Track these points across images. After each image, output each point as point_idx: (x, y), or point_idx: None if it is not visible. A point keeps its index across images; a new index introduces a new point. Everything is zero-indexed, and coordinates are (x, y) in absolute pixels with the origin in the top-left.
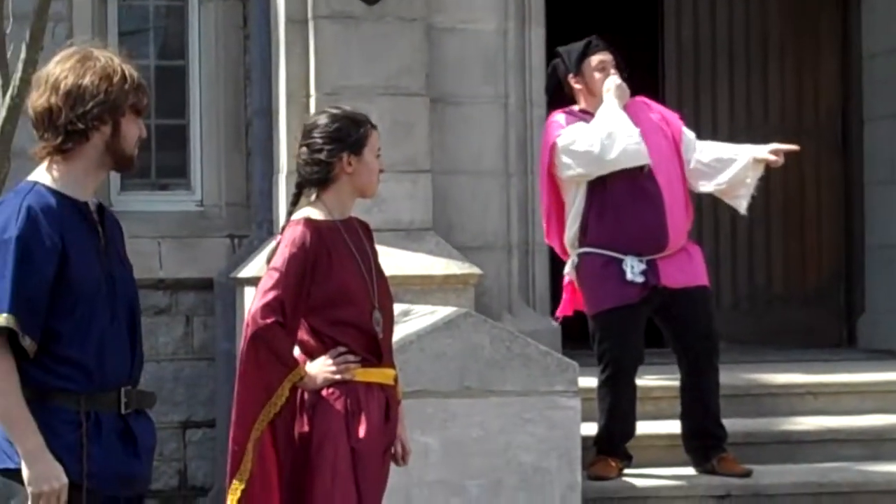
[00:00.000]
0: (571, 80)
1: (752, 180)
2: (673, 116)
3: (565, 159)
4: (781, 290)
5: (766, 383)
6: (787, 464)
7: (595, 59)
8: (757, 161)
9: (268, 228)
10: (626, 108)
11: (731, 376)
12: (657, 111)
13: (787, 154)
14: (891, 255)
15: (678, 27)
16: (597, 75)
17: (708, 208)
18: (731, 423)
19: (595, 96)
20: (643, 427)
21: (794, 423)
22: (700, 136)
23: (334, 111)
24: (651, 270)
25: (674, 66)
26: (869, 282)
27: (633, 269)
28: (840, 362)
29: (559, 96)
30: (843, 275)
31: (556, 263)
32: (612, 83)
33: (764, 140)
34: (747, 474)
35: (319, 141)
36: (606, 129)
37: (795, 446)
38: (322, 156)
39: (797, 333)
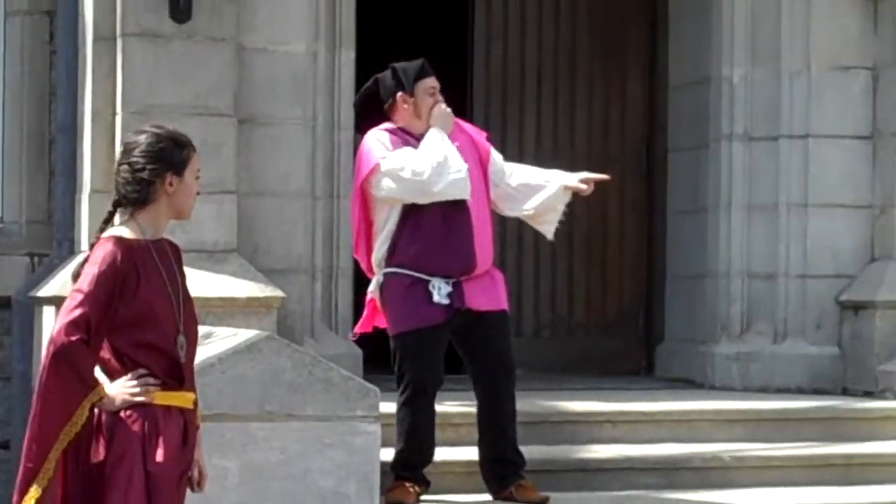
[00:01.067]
0: (400, 98)
1: (560, 207)
2: (481, 137)
3: (388, 183)
4: (583, 318)
5: (565, 411)
6: (584, 491)
7: (427, 83)
8: (566, 189)
9: (69, 247)
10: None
11: (530, 403)
12: (467, 132)
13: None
14: (691, 285)
15: (487, 50)
16: (427, 99)
17: (512, 234)
18: (529, 451)
19: (421, 119)
20: (442, 453)
21: (592, 451)
22: (506, 160)
23: (157, 130)
24: (457, 292)
25: (482, 90)
26: (668, 310)
27: (440, 290)
28: (638, 391)
29: (366, 111)
30: (644, 303)
31: (360, 287)
32: (441, 112)
33: (570, 166)
34: (544, 501)
35: (142, 160)
36: (436, 160)
37: (593, 474)
38: (144, 175)
39: (598, 361)
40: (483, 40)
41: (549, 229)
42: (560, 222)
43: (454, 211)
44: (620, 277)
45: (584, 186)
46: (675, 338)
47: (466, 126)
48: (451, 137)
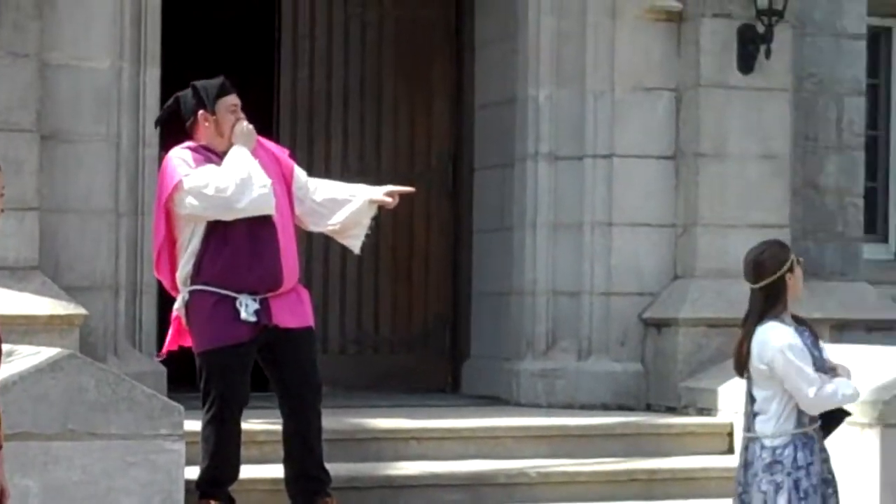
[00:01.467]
0: (202, 116)
1: (366, 221)
2: (283, 154)
3: (191, 200)
4: (389, 335)
5: (370, 428)
6: None
7: (228, 101)
8: (372, 203)
9: None
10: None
11: (336, 420)
12: (269, 149)
13: (400, 199)
14: (496, 302)
15: (294, 71)
16: (229, 116)
17: (318, 250)
18: (335, 468)
19: (223, 137)
20: (247, 471)
21: (398, 468)
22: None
23: None
24: (263, 310)
25: (288, 109)
26: (474, 328)
27: (247, 307)
28: (444, 407)
29: (167, 129)
30: (450, 320)
31: (164, 304)
32: (244, 129)
33: (376, 184)
34: None
35: None
36: (240, 176)
37: (398, 490)
38: None
39: (404, 378)
40: (290, 61)
41: (355, 244)
42: (367, 237)
43: (259, 227)
44: (426, 294)
45: (389, 199)
46: (480, 355)
47: (268, 143)
48: (254, 154)
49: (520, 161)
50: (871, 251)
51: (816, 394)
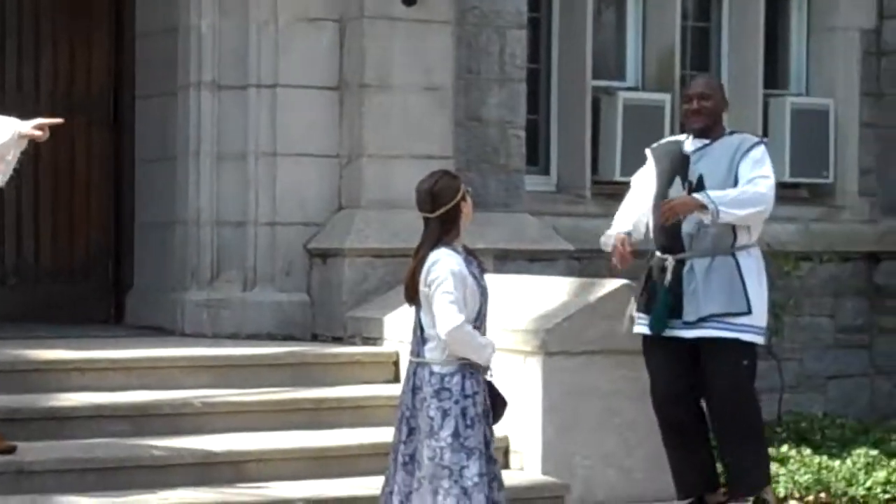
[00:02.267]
0: None
1: (13, 156)
2: None
3: None
4: (49, 265)
5: (32, 359)
6: (53, 440)
7: None
8: (21, 136)
9: None
10: None
11: None
12: None
13: (59, 128)
14: (160, 233)
15: None
16: None
17: None
18: None
19: None
20: None
21: (61, 400)
22: None
23: None
24: None
25: None
26: (138, 258)
27: None
28: (107, 339)
29: None
30: (112, 251)
31: None
32: None
33: (34, 116)
34: (11, 450)
35: None
36: None
37: (62, 422)
38: None
39: (66, 309)
40: None
41: (1, 179)
42: (16, 171)
43: None
44: (88, 225)
45: (38, 133)
46: (145, 285)
47: None
48: None
49: (182, 90)
50: (533, 183)
51: (458, 327)
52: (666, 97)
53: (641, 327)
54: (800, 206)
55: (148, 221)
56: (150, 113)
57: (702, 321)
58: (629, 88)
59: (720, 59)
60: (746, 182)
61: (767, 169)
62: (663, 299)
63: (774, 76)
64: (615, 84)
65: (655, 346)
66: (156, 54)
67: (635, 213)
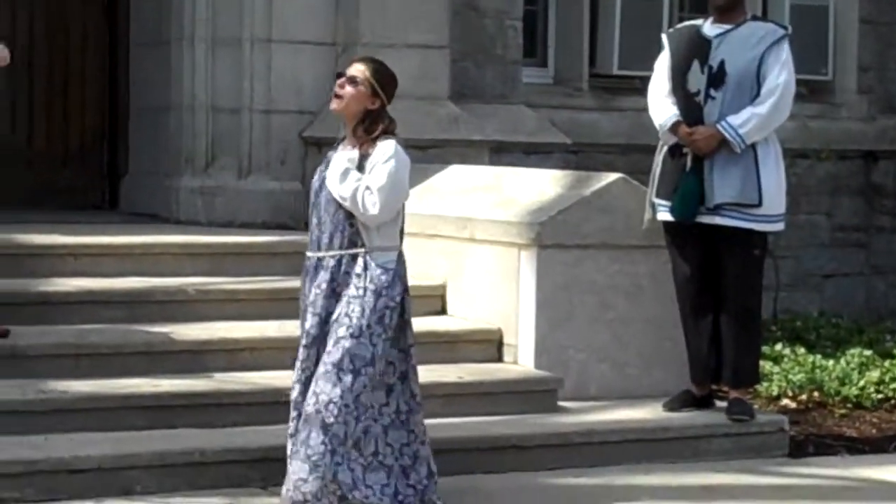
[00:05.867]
0: None
1: None
2: None
3: None
4: (44, 150)
5: (25, 244)
6: (45, 325)
7: None
8: None
9: None
10: None
11: None
12: None
13: (54, 12)
14: (154, 118)
15: None
16: None
17: None
18: None
19: None
20: None
21: (55, 285)
22: None
23: None
24: None
25: None
26: (133, 144)
27: None
28: (102, 224)
29: None
30: (107, 136)
31: None
32: None
33: (30, 5)
34: (4, 334)
35: None
36: None
37: (54, 307)
38: None
39: (60, 194)
40: None
41: None
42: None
43: None
44: (82, 110)
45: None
46: (139, 172)
47: None
48: None
49: None
50: (531, 75)
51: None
52: None
53: (664, 213)
54: (798, 104)
55: (143, 106)
56: None
57: (718, 208)
58: None
59: None
60: (769, 92)
61: (790, 72)
62: (689, 185)
63: None
64: None
65: (680, 231)
66: None
67: (670, 97)
